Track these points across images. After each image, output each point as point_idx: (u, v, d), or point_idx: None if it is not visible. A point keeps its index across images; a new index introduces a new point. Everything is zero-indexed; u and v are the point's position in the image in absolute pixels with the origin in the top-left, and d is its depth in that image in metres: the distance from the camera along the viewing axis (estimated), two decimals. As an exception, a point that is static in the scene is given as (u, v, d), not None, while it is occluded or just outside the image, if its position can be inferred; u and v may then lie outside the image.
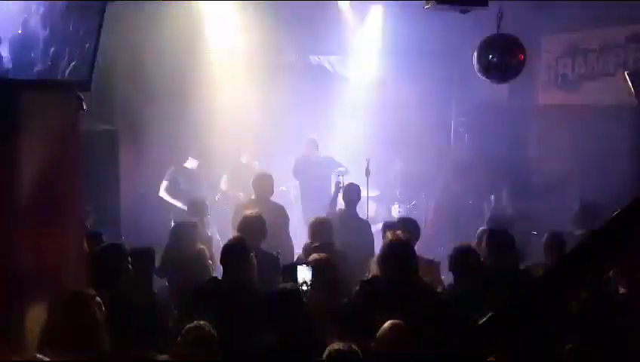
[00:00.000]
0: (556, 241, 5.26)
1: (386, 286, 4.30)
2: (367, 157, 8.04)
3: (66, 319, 3.41)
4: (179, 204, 7.97)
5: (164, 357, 3.63)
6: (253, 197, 6.98)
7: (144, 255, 4.98)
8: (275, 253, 5.40)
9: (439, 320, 4.14)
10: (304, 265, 4.63)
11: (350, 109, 9.92)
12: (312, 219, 6.02)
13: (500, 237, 4.96)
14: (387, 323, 3.68)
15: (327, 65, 10.42)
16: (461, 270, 4.72)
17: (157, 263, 5.38)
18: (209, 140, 8.90)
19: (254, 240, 5.13)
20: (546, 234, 5.44)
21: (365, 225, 6.69)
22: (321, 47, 10.10)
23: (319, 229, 5.71)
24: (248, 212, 5.71)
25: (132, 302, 4.32)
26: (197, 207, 7.00)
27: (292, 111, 9.40)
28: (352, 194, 6.75)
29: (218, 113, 9.07)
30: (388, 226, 5.79)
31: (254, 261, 4.58)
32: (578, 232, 5.95)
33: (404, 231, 5.09)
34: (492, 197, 8.42)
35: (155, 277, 5.34)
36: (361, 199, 6.88)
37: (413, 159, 9.92)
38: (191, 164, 8.44)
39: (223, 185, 8.97)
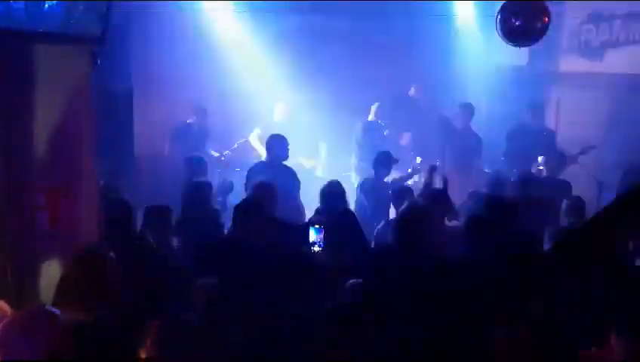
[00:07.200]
0: (578, 206, 5.41)
1: (397, 253, 4.29)
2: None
3: (80, 273, 3.40)
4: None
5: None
6: (264, 159, 6.90)
7: (160, 213, 5.00)
8: None
9: (449, 286, 4.13)
10: (316, 226, 4.61)
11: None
12: None
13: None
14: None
15: None
16: (476, 235, 4.66)
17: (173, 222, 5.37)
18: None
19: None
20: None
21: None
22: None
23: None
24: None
25: (147, 259, 4.34)
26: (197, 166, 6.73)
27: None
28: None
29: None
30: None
31: (268, 221, 4.55)
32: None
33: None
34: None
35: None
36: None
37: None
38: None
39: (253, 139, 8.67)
